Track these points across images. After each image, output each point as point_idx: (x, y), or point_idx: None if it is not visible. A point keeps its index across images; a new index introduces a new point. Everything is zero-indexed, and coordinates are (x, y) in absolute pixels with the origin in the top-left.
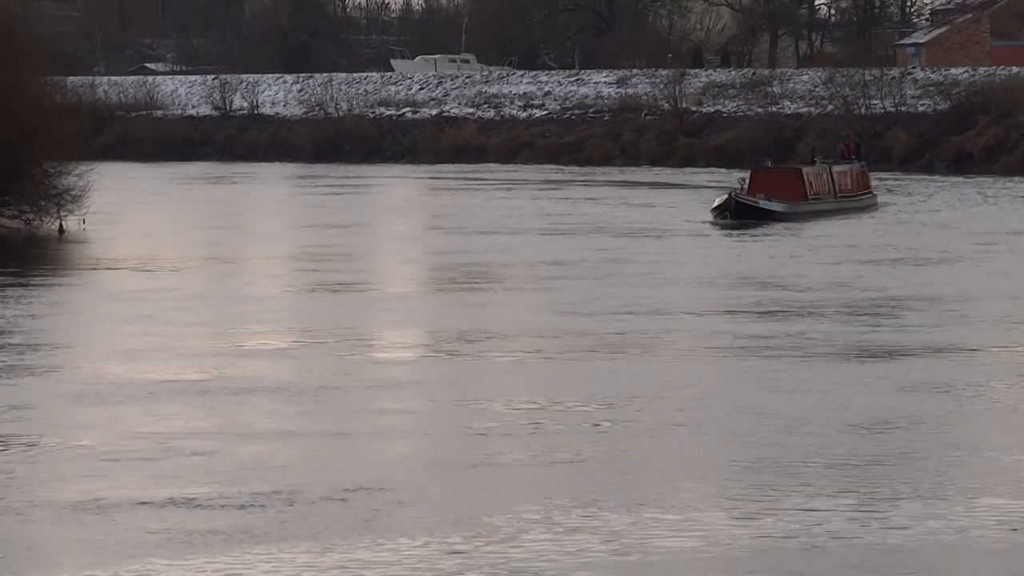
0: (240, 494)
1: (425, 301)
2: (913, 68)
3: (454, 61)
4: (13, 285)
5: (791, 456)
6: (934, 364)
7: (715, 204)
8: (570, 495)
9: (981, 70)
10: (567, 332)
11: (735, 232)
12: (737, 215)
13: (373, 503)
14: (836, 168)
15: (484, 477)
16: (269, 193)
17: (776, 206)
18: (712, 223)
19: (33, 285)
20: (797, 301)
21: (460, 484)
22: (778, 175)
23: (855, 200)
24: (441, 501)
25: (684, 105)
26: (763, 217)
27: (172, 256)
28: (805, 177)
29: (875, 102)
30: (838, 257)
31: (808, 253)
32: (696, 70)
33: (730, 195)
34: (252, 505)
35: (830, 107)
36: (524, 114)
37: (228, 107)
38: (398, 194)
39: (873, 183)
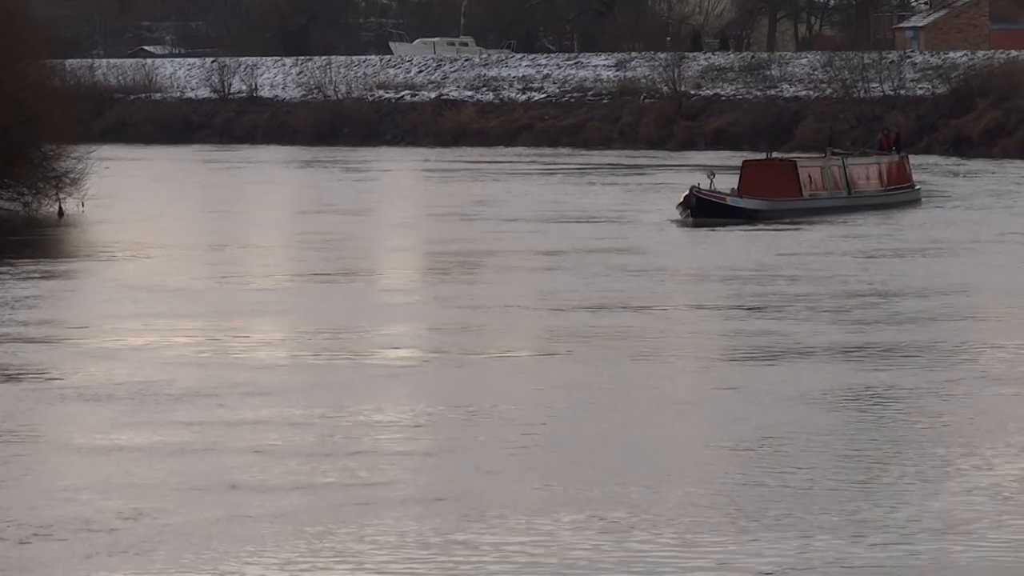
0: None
1: (387, 296)
2: (912, 51)
3: (453, 44)
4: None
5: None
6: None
7: (681, 200)
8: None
9: (980, 54)
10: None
11: (692, 230)
12: (700, 213)
13: (139, 531)
14: (853, 160)
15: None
16: (266, 176)
17: (751, 203)
18: (679, 221)
19: (14, 272)
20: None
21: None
22: (771, 168)
23: (882, 196)
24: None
25: (683, 88)
26: (731, 215)
27: (165, 242)
28: (801, 171)
29: (874, 85)
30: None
31: (742, 254)
32: (695, 53)
33: (691, 191)
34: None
35: (829, 90)
36: (523, 97)
37: (227, 90)
38: (394, 180)
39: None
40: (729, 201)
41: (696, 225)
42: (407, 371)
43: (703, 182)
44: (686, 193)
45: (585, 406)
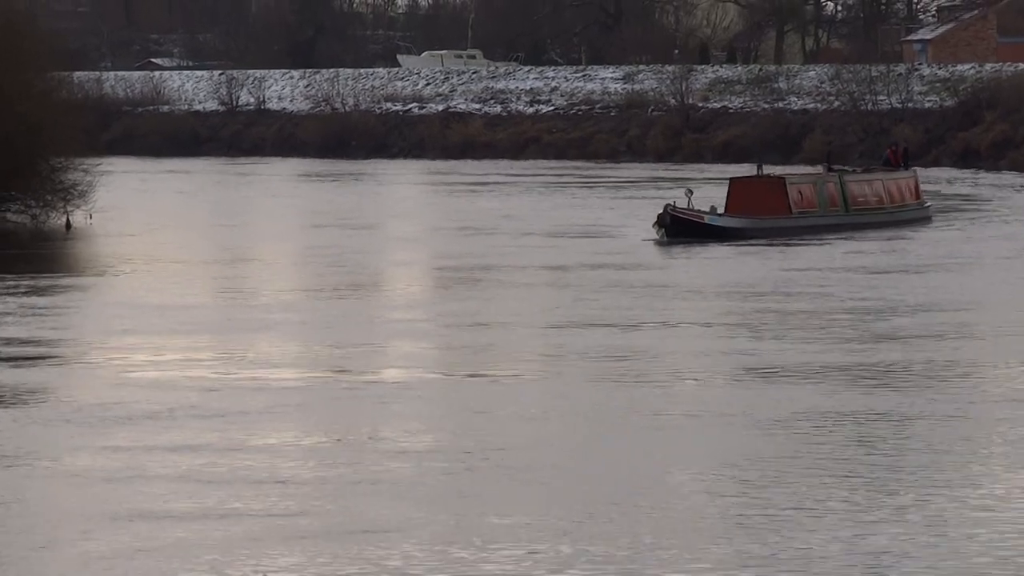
0: None
1: (385, 312)
2: (919, 64)
3: (461, 56)
4: None
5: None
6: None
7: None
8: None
9: (987, 66)
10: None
11: (667, 250)
12: (675, 232)
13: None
14: (852, 176)
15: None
16: (274, 189)
17: (730, 221)
18: (656, 240)
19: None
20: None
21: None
22: (759, 185)
23: (885, 213)
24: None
25: (691, 101)
26: (708, 234)
27: (170, 255)
28: (790, 188)
29: (882, 98)
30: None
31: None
32: (702, 66)
33: (665, 209)
34: None
35: (837, 103)
36: (531, 110)
37: (234, 102)
38: (401, 193)
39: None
40: (706, 219)
41: (670, 244)
42: (380, 394)
43: (674, 201)
44: (660, 211)
45: (572, 430)
